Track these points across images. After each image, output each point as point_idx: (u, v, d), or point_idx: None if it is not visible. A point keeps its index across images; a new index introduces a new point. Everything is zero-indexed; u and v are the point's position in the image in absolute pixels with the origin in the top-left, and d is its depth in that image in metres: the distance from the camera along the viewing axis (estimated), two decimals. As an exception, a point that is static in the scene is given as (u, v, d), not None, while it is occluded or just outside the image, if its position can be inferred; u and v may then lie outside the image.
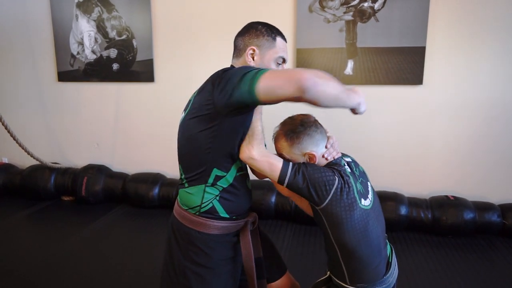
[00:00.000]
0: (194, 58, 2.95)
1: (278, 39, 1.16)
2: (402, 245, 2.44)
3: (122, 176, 3.14)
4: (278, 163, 1.07)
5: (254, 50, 1.14)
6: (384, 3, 2.58)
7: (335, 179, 1.06)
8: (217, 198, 1.12)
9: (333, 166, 1.12)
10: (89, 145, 3.35)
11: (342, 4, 2.64)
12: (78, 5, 3.07)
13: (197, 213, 1.13)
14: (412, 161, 2.77)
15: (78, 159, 3.38)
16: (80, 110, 3.30)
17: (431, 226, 2.56)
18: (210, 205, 1.12)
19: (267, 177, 1.12)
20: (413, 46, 2.59)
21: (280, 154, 1.15)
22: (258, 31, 1.15)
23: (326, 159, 1.15)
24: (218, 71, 1.07)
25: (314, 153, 1.12)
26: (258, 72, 0.93)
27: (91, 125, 3.30)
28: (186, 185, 1.15)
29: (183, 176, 1.16)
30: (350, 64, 2.70)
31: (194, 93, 1.17)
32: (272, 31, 1.16)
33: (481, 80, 2.57)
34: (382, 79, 2.68)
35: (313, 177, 1.05)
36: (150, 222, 2.79)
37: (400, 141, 2.76)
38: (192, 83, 2.97)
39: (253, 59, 1.14)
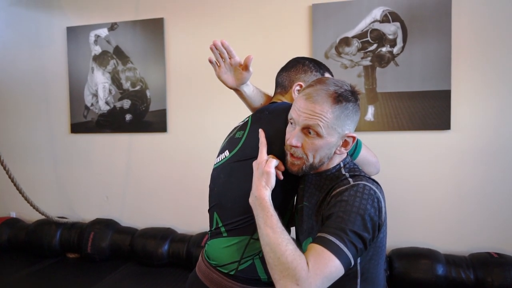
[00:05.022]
0: (206, 108, 2.88)
1: (326, 74, 1.10)
2: (443, 312, 2.12)
3: (130, 231, 2.96)
4: (330, 263, 0.74)
5: (301, 86, 1.06)
6: (403, 47, 2.50)
7: (379, 198, 0.80)
8: (260, 254, 0.94)
9: (357, 171, 0.89)
10: (98, 198, 3.23)
11: (359, 50, 2.57)
12: (95, 58, 3.10)
13: (232, 272, 0.93)
14: (446, 213, 2.51)
15: (86, 213, 3.24)
16: (91, 162, 3.22)
17: (475, 289, 2.24)
18: (250, 262, 0.94)
19: None
20: (437, 90, 2.45)
21: (307, 126, 0.83)
22: (305, 66, 1.08)
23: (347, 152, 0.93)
24: (282, 106, 0.98)
25: (354, 135, 0.86)
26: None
27: (101, 177, 3.20)
28: (225, 234, 0.95)
29: (220, 225, 0.97)
30: (370, 110, 2.56)
31: (238, 133, 1.02)
32: (320, 67, 1.09)
33: (515, 123, 2.38)
34: (406, 125, 2.52)
35: (367, 220, 0.77)
36: (159, 283, 2.55)
37: (431, 191, 2.52)
38: (204, 133, 2.91)
39: None
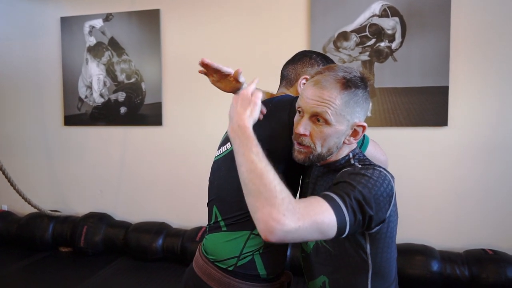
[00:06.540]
0: (203, 102, 2.85)
1: None
2: (437, 308, 2.13)
3: (124, 226, 2.93)
4: (326, 213, 0.67)
5: (307, 80, 1.02)
6: (401, 42, 2.48)
7: (392, 185, 0.76)
8: (260, 250, 0.92)
9: (367, 161, 0.85)
10: (92, 191, 3.19)
11: (357, 45, 2.55)
12: (89, 50, 3.05)
13: (230, 268, 0.91)
14: (442, 210, 2.51)
15: (80, 207, 3.20)
16: (85, 155, 3.17)
17: (469, 285, 2.24)
18: (250, 257, 0.91)
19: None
20: (435, 86, 2.44)
21: (315, 113, 0.79)
22: (312, 59, 1.07)
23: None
24: (287, 98, 0.97)
25: (364, 124, 0.82)
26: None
27: (95, 170, 3.16)
28: (224, 228, 0.93)
29: (220, 219, 0.95)
30: (368, 105, 2.55)
31: None
32: (327, 61, 1.08)
33: (512, 120, 2.38)
34: (404, 121, 2.50)
35: (374, 197, 0.72)
36: (153, 278, 2.52)
37: (427, 187, 2.52)
38: (200, 127, 2.87)
39: None
